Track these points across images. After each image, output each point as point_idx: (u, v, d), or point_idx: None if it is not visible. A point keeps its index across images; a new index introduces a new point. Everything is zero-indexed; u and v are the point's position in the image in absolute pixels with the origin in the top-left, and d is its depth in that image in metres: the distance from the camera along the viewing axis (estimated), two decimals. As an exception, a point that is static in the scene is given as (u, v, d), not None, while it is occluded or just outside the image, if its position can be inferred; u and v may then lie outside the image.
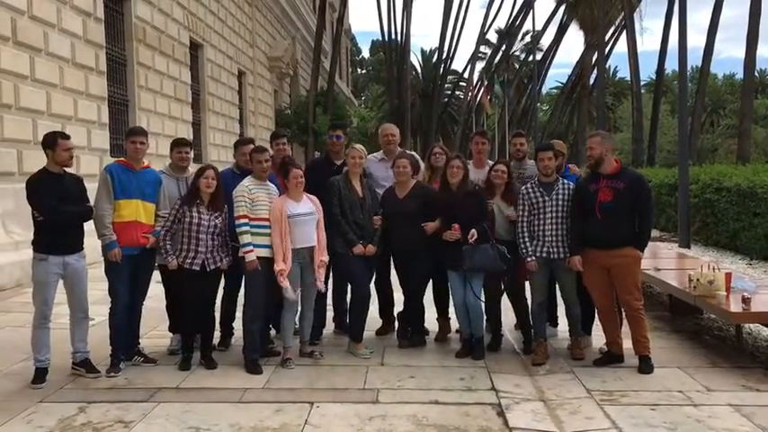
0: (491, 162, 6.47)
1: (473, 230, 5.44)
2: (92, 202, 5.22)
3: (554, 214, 5.49)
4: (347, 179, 5.79)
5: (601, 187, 5.31)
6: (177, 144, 5.86)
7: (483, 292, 5.70)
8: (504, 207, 5.78)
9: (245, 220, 5.31)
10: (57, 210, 4.95)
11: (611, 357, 5.47)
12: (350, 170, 5.81)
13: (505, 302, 6.02)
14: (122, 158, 5.56)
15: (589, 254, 5.37)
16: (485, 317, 5.83)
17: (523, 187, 5.64)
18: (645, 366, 5.26)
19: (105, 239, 5.20)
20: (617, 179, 5.31)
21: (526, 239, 5.55)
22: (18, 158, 9.41)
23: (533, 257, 5.51)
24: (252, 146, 5.92)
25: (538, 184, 5.59)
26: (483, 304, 5.68)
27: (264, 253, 5.32)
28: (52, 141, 5.03)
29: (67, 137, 5.16)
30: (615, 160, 5.46)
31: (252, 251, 5.26)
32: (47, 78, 10.15)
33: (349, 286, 6.06)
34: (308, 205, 5.50)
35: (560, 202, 5.50)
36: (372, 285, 6.12)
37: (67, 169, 5.18)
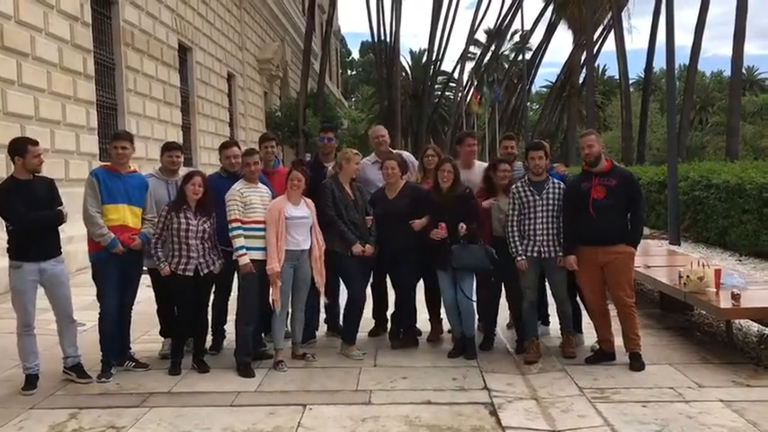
0: (478, 162, 6.51)
1: (462, 224, 5.46)
2: (65, 206, 5.13)
3: (545, 213, 5.51)
4: (338, 182, 5.79)
5: (593, 185, 5.35)
6: (168, 148, 5.85)
7: (474, 293, 5.72)
8: (504, 204, 5.78)
9: (238, 224, 5.31)
10: (24, 217, 4.88)
11: (603, 355, 5.49)
12: (342, 174, 5.81)
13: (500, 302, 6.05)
14: (108, 163, 5.53)
15: (583, 251, 5.39)
16: (476, 316, 5.84)
17: (514, 186, 5.66)
18: (636, 363, 5.29)
19: (105, 239, 5.14)
20: (609, 177, 5.36)
21: (516, 238, 5.57)
22: (6, 164, 9.33)
23: (524, 257, 5.53)
24: (236, 148, 5.92)
25: (528, 183, 5.61)
26: (474, 303, 5.69)
27: (258, 255, 5.32)
28: (22, 148, 4.94)
29: (36, 142, 5.06)
30: (606, 159, 5.50)
31: (245, 254, 5.26)
32: (34, 83, 10.08)
33: (343, 288, 6.06)
34: (305, 209, 5.51)
35: (551, 201, 5.52)
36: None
37: (52, 174, 5.15)
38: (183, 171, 5.80)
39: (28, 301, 4.98)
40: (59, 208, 5.09)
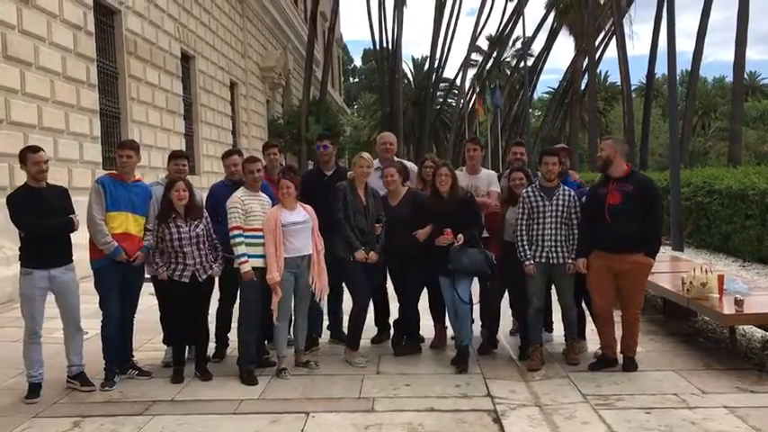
0: (484, 168, 6.52)
1: (460, 235, 5.47)
2: (78, 215, 5.18)
3: (553, 219, 5.51)
4: (353, 186, 5.80)
5: (610, 190, 5.35)
6: (174, 156, 5.86)
7: (470, 297, 5.71)
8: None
9: (240, 231, 5.32)
10: (33, 223, 4.93)
11: (606, 361, 5.49)
12: (356, 178, 5.82)
13: (502, 308, 6.05)
14: (113, 171, 5.56)
15: (598, 257, 5.38)
16: (470, 323, 5.82)
17: (524, 191, 5.66)
18: (629, 364, 5.38)
19: (109, 247, 5.17)
20: (626, 182, 5.35)
21: (525, 243, 5.56)
22: (9, 173, 9.37)
23: (532, 261, 5.52)
24: (236, 157, 5.95)
25: (539, 188, 5.61)
26: (469, 308, 5.67)
27: (258, 263, 5.32)
28: (22, 157, 5.05)
29: (37, 150, 5.09)
30: (627, 164, 5.50)
31: (247, 261, 5.27)
32: (38, 92, 10.13)
33: (346, 294, 6.06)
34: (302, 213, 5.51)
35: (560, 208, 5.51)
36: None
37: (51, 182, 5.18)
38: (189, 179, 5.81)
39: (36, 309, 4.99)
40: (71, 216, 5.12)
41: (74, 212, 5.18)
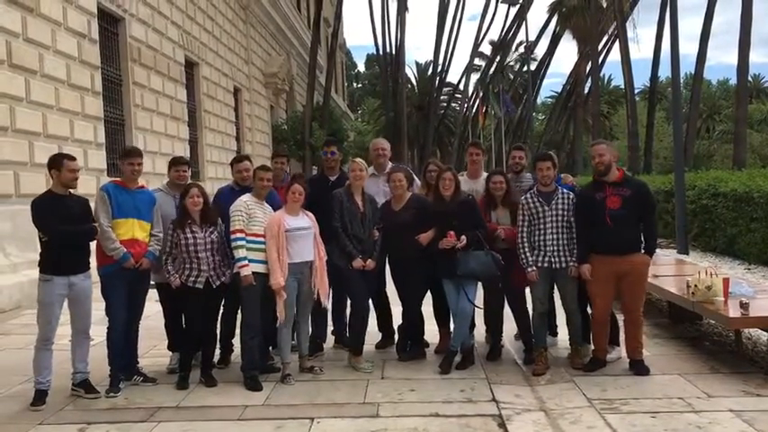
0: (486, 173, 6.51)
1: (462, 236, 5.47)
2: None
3: (554, 224, 5.51)
4: (349, 192, 5.81)
5: (608, 195, 5.35)
6: (175, 163, 5.89)
7: (481, 303, 5.72)
8: (501, 217, 5.80)
9: (242, 235, 5.33)
10: (58, 230, 4.97)
11: (597, 362, 5.54)
12: (351, 183, 5.84)
13: (506, 312, 6.04)
14: (117, 178, 5.59)
15: (598, 261, 5.39)
16: (471, 327, 5.82)
17: (523, 197, 5.66)
18: (641, 367, 5.38)
19: (118, 253, 5.19)
20: (622, 187, 5.37)
21: (526, 249, 5.56)
22: (15, 180, 9.42)
23: (534, 268, 5.52)
24: (247, 162, 5.97)
25: (537, 193, 5.61)
26: (474, 309, 5.68)
27: (259, 268, 5.33)
28: (58, 162, 5.09)
29: (73, 158, 5.20)
30: (617, 168, 5.52)
31: (247, 265, 5.27)
32: (42, 100, 10.18)
33: (348, 300, 6.07)
34: (306, 220, 5.52)
35: (560, 212, 5.52)
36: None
37: (73, 191, 5.22)
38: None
39: (53, 316, 5.02)
40: (93, 224, 5.17)
41: (94, 221, 5.22)
